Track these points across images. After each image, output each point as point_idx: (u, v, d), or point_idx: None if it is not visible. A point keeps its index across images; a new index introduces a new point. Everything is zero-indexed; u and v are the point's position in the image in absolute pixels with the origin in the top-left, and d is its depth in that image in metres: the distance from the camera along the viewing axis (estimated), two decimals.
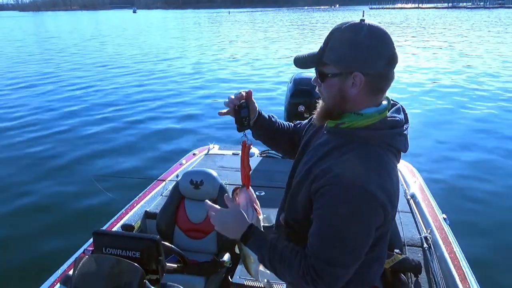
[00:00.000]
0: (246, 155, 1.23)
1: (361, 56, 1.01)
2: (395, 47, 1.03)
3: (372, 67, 1.02)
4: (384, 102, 1.10)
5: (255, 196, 1.18)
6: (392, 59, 1.03)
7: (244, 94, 1.31)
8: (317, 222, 1.04)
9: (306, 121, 1.42)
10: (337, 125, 1.09)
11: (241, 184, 1.23)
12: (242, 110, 1.27)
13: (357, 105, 1.06)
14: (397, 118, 1.08)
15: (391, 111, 1.11)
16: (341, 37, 1.03)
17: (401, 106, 1.16)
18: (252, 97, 1.32)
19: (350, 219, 0.99)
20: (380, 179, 0.99)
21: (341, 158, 1.03)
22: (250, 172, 1.23)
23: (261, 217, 1.16)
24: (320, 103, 1.15)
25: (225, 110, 1.30)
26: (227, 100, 1.30)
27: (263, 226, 1.21)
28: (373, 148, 1.04)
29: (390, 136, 1.06)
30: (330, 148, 1.08)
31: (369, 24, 1.02)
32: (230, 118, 1.31)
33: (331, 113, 1.10)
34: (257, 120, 1.37)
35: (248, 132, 1.31)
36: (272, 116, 1.45)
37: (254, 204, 1.16)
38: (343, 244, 1.01)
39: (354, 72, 1.02)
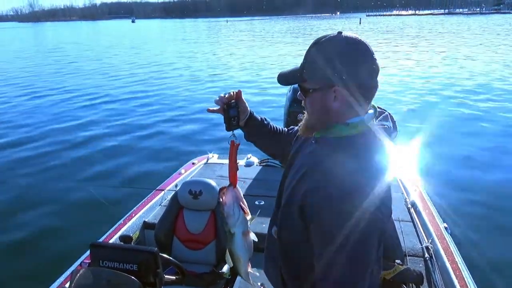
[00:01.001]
0: (233, 154, 1.25)
1: (339, 69, 1.00)
2: (375, 57, 1.03)
3: (352, 79, 1.00)
4: (370, 111, 1.09)
5: (242, 195, 1.16)
6: (372, 69, 1.02)
7: (233, 94, 1.32)
8: (321, 243, 0.99)
9: (297, 127, 1.39)
10: (323, 135, 1.09)
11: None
12: (231, 110, 1.30)
13: (342, 117, 1.06)
14: (385, 126, 1.09)
15: (379, 118, 1.11)
16: (318, 52, 1.03)
17: (389, 114, 1.17)
18: (242, 97, 1.34)
19: (354, 235, 0.94)
20: (372, 186, 0.96)
21: (330, 170, 1.00)
22: (237, 171, 1.23)
23: (248, 217, 1.14)
24: (305, 115, 1.15)
25: (215, 108, 1.31)
26: (217, 98, 1.31)
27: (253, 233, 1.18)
28: (362, 155, 1.02)
29: (378, 142, 1.05)
30: (318, 159, 1.06)
31: (346, 36, 1.02)
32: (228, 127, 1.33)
33: (315, 126, 1.11)
34: (248, 120, 1.38)
35: (237, 132, 1.33)
36: (265, 119, 1.45)
37: (241, 203, 1.14)
38: (357, 262, 0.97)
39: (334, 86, 1.01)
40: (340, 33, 1.03)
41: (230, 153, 1.26)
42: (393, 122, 1.13)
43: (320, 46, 1.03)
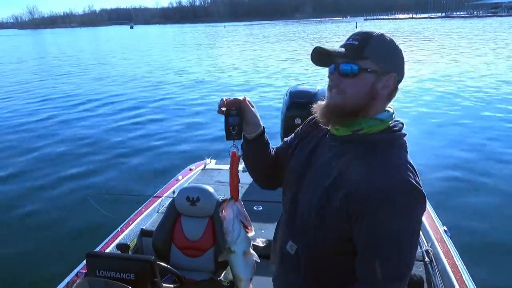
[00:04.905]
0: (234, 166, 1.15)
1: (398, 60, 1.08)
2: None
3: (401, 73, 1.09)
4: (389, 109, 1.12)
5: (244, 209, 1.09)
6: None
7: (235, 100, 1.15)
8: (377, 242, 0.99)
9: (292, 136, 1.33)
10: (354, 132, 1.07)
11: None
12: (231, 118, 1.15)
13: (377, 109, 1.08)
14: (400, 122, 1.11)
15: None
16: (379, 40, 1.06)
17: None
18: (250, 107, 1.16)
19: (406, 232, 0.99)
20: (416, 175, 1.01)
21: (375, 168, 1.00)
22: (239, 183, 1.15)
23: (251, 234, 1.08)
24: (325, 103, 1.09)
25: (223, 109, 1.15)
26: (222, 100, 1.16)
27: (254, 245, 1.15)
28: (397, 150, 1.05)
29: (403, 137, 1.09)
30: (355, 160, 1.04)
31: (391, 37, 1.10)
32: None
33: (351, 112, 1.05)
34: (258, 138, 1.21)
35: (239, 142, 1.21)
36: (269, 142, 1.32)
37: (243, 220, 1.07)
38: (411, 252, 1.01)
39: (390, 73, 1.06)
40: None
41: (231, 165, 1.16)
42: None
43: (378, 37, 1.06)
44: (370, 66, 1.04)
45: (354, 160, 1.04)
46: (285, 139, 1.36)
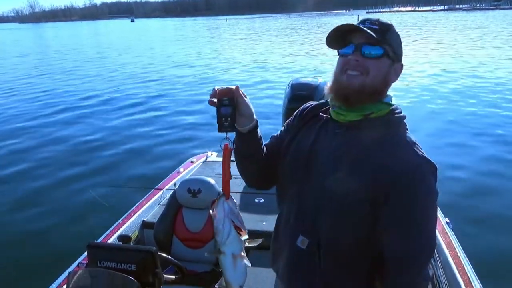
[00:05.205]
0: (226, 160, 1.08)
1: (402, 50, 1.14)
2: None
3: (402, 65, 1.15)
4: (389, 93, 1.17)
5: (237, 208, 1.03)
6: None
7: (228, 89, 1.08)
8: (403, 222, 1.04)
9: (283, 130, 1.29)
10: (365, 116, 1.08)
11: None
12: (223, 108, 1.06)
13: (385, 94, 1.12)
14: (397, 104, 1.15)
15: None
16: (395, 29, 1.12)
17: None
18: (244, 97, 1.09)
19: (433, 203, 1.06)
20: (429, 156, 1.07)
21: (395, 148, 1.05)
22: (231, 179, 1.08)
23: (244, 237, 1.01)
24: (344, 83, 1.07)
25: (214, 100, 1.08)
26: (214, 89, 1.09)
27: (247, 246, 1.07)
28: (404, 129, 1.11)
29: (404, 118, 1.14)
30: (374, 143, 1.06)
31: None
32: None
33: (370, 94, 1.07)
34: (252, 132, 1.14)
35: (232, 135, 1.13)
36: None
37: (235, 220, 1.01)
38: (435, 224, 1.09)
39: (400, 62, 1.12)
40: None
41: (223, 159, 1.09)
42: None
43: (394, 26, 1.11)
44: (390, 52, 1.07)
45: (372, 143, 1.06)
46: (274, 134, 1.32)
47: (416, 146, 1.07)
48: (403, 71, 1.14)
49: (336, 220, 1.10)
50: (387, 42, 1.07)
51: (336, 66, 1.13)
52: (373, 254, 1.09)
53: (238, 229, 1.02)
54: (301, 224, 1.16)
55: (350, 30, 1.09)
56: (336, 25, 1.09)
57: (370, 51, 1.06)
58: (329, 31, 1.10)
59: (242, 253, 1.04)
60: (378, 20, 1.10)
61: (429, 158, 1.05)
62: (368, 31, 1.05)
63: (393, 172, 1.01)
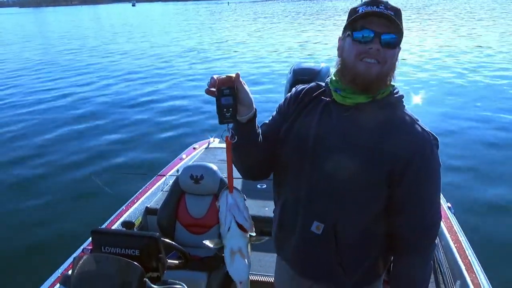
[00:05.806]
0: (229, 153, 1.03)
1: None
2: None
3: None
4: None
5: (242, 202, 0.99)
6: None
7: (228, 78, 1.00)
8: (419, 197, 1.10)
9: (277, 117, 1.24)
10: (374, 97, 1.09)
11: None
12: (223, 98, 0.99)
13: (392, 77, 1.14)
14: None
15: None
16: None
17: None
18: (244, 85, 1.02)
19: (440, 175, 1.12)
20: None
21: (404, 127, 1.08)
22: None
23: (248, 234, 0.99)
24: (364, 71, 1.03)
25: (212, 89, 1.00)
26: (213, 78, 1.00)
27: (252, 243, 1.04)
28: (404, 108, 1.15)
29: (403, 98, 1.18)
30: (384, 123, 1.09)
31: None
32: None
33: (385, 80, 1.08)
34: (252, 121, 1.08)
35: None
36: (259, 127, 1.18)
37: (237, 214, 0.97)
38: (439, 200, 1.17)
39: (400, 49, 1.11)
40: None
41: (226, 152, 1.04)
42: None
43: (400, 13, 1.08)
44: (401, 38, 1.07)
45: (380, 124, 1.08)
46: (265, 121, 1.26)
47: (418, 122, 1.11)
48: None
49: (352, 203, 1.11)
50: (400, 29, 1.05)
51: (346, 49, 1.08)
52: (387, 231, 1.16)
53: (240, 226, 0.98)
54: (314, 210, 1.16)
55: (367, 13, 1.03)
56: (363, 9, 1.03)
57: (389, 41, 1.03)
58: (357, 13, 1.04)
59: (243, 250, 1.00)
60: (388, 3, 1.05)
61: (431, 131, 1.10)
62: (395, 19, 1.02)
63: (407, 152, 1.05)
